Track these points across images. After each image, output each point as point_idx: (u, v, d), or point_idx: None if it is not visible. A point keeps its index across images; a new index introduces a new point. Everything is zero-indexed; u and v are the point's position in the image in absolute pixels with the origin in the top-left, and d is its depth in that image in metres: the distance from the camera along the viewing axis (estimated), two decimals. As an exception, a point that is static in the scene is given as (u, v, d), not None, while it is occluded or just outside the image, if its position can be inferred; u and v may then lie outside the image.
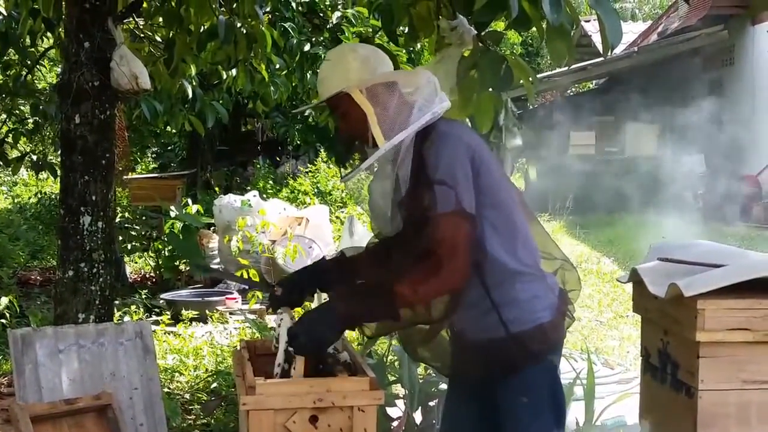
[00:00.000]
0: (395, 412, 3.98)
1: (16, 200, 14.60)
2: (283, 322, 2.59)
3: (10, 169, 7.30)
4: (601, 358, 6.11)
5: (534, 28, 3.16)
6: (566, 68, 13.38)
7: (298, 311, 2.94)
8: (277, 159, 16.98)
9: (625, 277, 2.97)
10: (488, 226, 2.48)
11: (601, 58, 15.00)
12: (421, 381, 3.93)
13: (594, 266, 10.33)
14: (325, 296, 2.84)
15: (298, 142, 15.13)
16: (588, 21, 18.37)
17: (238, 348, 2.96)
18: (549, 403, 2.59)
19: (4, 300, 6.98)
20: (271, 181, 14.62)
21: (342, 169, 13.81)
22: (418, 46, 8.18)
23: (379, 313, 2.48)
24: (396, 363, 4.20)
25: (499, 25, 4.58)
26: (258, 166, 15.84)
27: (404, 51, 7.60)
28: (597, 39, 18.18)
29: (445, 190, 2.38)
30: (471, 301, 2.50)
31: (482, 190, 2.46)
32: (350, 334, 5.93)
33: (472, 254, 2.41)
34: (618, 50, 3.25)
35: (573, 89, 21.64)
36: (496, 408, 2.61)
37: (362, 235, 7.77)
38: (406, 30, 3.79)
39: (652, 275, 2.73)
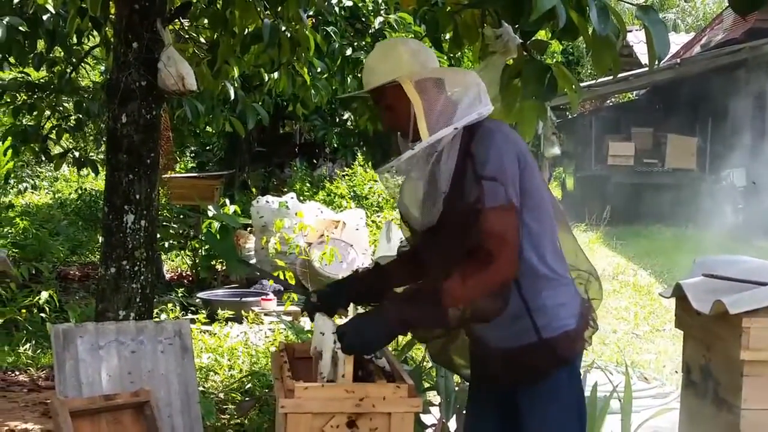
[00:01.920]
0: (430, 419, 3.97)
1: (57, 196, 14.78)
2: (325, 328, 2.59)
3: (52, 164, 7.38)
4: (637, 371, 6.05)
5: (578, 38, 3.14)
6: (608, 78, 13.26)
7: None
8: (314, 161, 17.03)
9: (668, 291, 2.94)
10: (524, 229, 2.47)
11: (643, 69, 14.89)
12: (456, 389, 3.91)
13: (630, 278, 10.24)
14: (360, 309, 2.83)
15: (336, 145, 15.18)
16: (630, 31, 18.22)
17: (277, 350, 2.97)
18: (574, 410, 2.59)
19: (45, 294, 7.07)
20: (308, 184, 14.68)
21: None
22: (458, 54, 8.18)
23: (429, 317, 2.46)
24: (432, 370, 4.19)
25: (542, 34, 4.56)
26: (295, 168, 15.91)
27: (445, 58, 7.60)
28: (638, 49, 18.05)
29: (494, 185, 2.38)
30: None
31: (523, 192, 2.45)
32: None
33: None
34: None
35: (613, 99, 21.49)
36: (519, 415, 2.60)
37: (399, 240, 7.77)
38: (450, 37, 3.78)
39: (696, 291, 2.70)
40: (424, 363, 4.29)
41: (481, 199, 2.37)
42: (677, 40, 20.09)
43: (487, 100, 2.56)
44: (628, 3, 3.28)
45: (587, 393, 4.11)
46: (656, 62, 2.91)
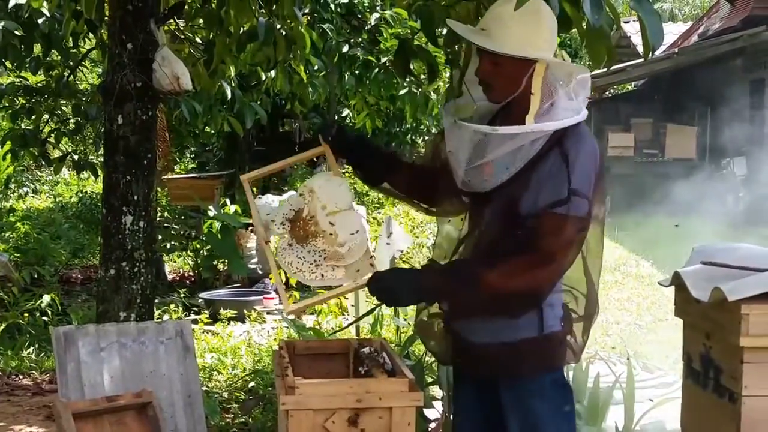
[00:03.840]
0: (432, 413, 3.98)
1: (57, 199, 14.80)
2: (317, 176, 2.63)
3: (52, 168, 7.39)
4: (640, 361, 6.05)
5: (573, 30, 3.14)
6: (605, 70, 13.23)
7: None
8: (314, 160, 16.99)
9: (667, 280, 2.93)
10: None
11: (641, 60, 14.84)
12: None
13: (632, 269, 10.24)
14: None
15: (335, 143, 15.09)
16: (627, 22, 18.20)
17: (278, 348, 2.97)
18: (560, 410, 2.56)
19: (47, 298, 7.09)
20: (308, 182, 14.64)
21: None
22: (456, 47, 8.16)
23: (461, 296, 2.44)
24: (434, 365, 4.20)
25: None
26: (295, 166, 15.90)
27: (442, 52, 7.60)
28: (636, 40, 18.03)
29: (581, 199, 2.36)
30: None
31: None
32: (387, 336, 5.94)
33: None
34: (658, 51, 3.22)
35: (611, 90, 21.47)
36: (501, 407, 2.56)
37: (399, 235, 7.77)
38: (446, 31, 3.77)
39: (695, 279, 2.70)
40: (426, 357, 4.30)
41: (567, 205, 2.34)
42: (674, 30, 20.05)
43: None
44: (621, -7, 3.27)
45: (590, 384, 4.13)
46: (650, 53, 2.91)
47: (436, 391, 4.20)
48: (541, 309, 2.48)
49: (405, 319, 5.29)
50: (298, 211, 2.62)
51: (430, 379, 4.17)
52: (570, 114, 2.42)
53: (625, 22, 18.12)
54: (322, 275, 2.58)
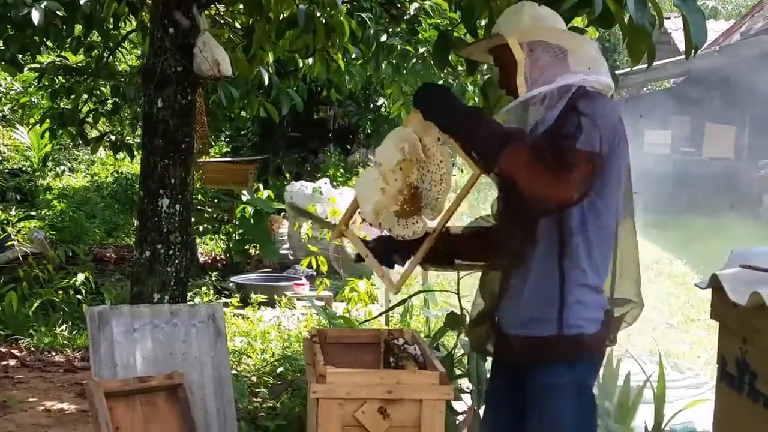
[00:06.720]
0: (461, 406, 3.98)
1: (93, 179, 14.93)
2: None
3: (89, 148, 7.45)
4: (671, 361, 6.00)
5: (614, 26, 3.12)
6: (644, 66, 13.08)
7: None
8: (348, 147, 17.00)
9: (704, 282, 2.90)
10: (591, 223, 2.43)
11: (681, 57, 14.66)
12: (488, 376, 3.91)
13: (665, 268, 10.15)
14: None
15: (369, 131, 15.14)
16: (668, 18, 17.97)
17: (309, 336, 2.99)
18: (574, 413, 2.49)
19: (81, 276, 7.17)
20: (341, 169, 14.69)
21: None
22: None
23: (482, 141, 2.39)
24: (463, 357, 4.19)
25: (578, 21, 4.52)
26: (329, 153, 15.92)
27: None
28: (677, 37, 17.81)
29: (594, 129, 2.33)
30: (539, 280, 2.45)
31: (605, 182, 2.43)
32: (416, 327, 5.94)
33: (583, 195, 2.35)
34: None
35: (650, 87, 21.25)
36: (525, 403, 2.52)
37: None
38: (485, 23, 3.75)
39: (733, 282, 2.66)
40: (456, 350, 4.29)
41: (575, 135, 2.31)
42: (717, 27, 19.77)
43: (601, 71, 2.51)
44: (666, -10, 3.23)
45: (620, 383, 4.11)
46: (693, 51, 2.88)
47: (465, 384, 4.19)
48: (561, 307, 2.43)
49: (435, 311, 5.29)
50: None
51: (459, 372, 4.16)
52: (569, 79, 2.45)
53: (666, 18, 17.87)
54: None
